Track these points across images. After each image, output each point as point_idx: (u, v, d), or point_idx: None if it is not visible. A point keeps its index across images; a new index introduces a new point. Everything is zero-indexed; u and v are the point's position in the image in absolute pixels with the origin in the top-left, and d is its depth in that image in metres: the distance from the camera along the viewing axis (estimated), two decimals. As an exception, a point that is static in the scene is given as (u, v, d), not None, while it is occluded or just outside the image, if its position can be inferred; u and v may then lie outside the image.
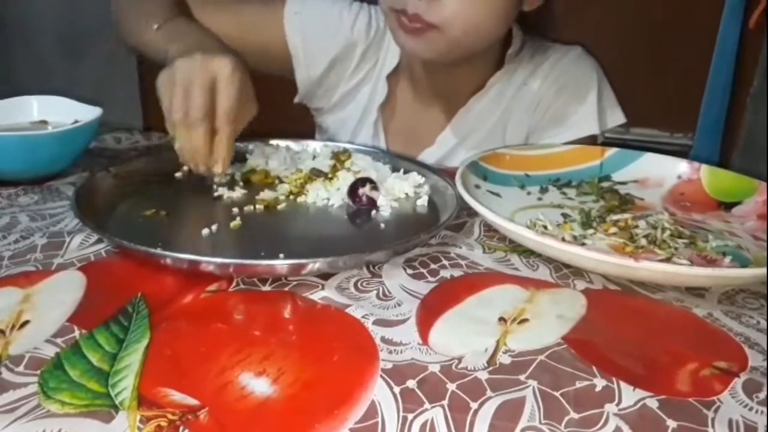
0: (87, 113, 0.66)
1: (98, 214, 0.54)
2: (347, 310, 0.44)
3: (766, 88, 1.45)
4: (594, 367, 0.38)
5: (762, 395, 0.37)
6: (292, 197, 0.61)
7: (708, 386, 0.38)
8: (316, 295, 0.45)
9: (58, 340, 0.39)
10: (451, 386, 0.36)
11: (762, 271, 0.44)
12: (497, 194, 0.63)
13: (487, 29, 0.70)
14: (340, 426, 0.33)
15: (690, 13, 1.57)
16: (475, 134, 0.82)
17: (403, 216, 0.59)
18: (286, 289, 0.46)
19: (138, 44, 0.78)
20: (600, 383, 0.37)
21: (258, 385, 0.36)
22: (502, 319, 0.43)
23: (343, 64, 0.84)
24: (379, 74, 0.83)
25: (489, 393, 0.36)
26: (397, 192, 0.63)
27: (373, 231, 0.57)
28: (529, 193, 0.65)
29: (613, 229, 0.56)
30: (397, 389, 0.36)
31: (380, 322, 0.42)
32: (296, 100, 0.89)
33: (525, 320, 0.43)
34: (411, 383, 0.36)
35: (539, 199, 0.64)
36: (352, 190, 0.60)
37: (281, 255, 0.47)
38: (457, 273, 0.49)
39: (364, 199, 0.60)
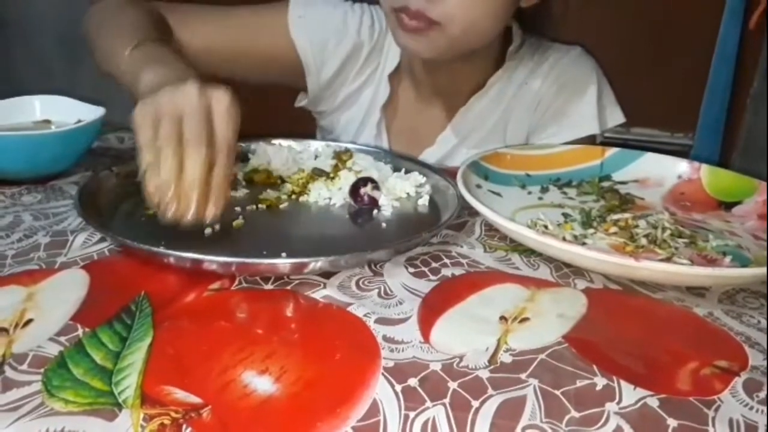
0: (90, 113, 0.66)
1: (101, 213, 0.54)
2: (349, 309, 0.44)
3: (766, 89, 1.45)
4: (595, 366, 0.39)
5: (762, 394, 0.37)
6: (294, 197, 0.61)
7: (708, 385, 0.38)
8: (318, 294, 0.45)
9: (62, 339, 0.39)
10: (453, 385, 0.37)
11: (762, 270, 0.45)
12: (498, 194, 0.63)
13: (486, 25, 0.70)
14: (342, 424, 0.33)
15: (690, 13, 1.58)
16: (476, 134, 0.82)
17: (404, 215, 0.60)
18: (288, 287, 0.46)
19: (111, 72, 0.69)
20: (601, 382, 0.37)
21: (260, 384, 0.36)
22: (503, 318, 0.43)
23: (350, 66, 0.84)
24: (381, 75, 0.84)
25: (490, 391, 0.36)
26: (399, 192, 0.63)
27: (374, 230, 0.57)
28: (529, 193, 0.65)
29: (613, 229, 0.56)
30: (398, 387, 0.36)
31: (382, 321, 0.42)
32: (300, 104, 0.89)
33: (526, 319, 0.44)
34: (412, 381, 0.37)
35: (540, 198, 0.64)
36: (354, 190, 0.60)
37: (283, 254, 0.47)
38: (458, 272, 0.50)
39: (365, 198, 0.60)
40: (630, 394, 0.36)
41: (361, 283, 0.47)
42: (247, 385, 0.36)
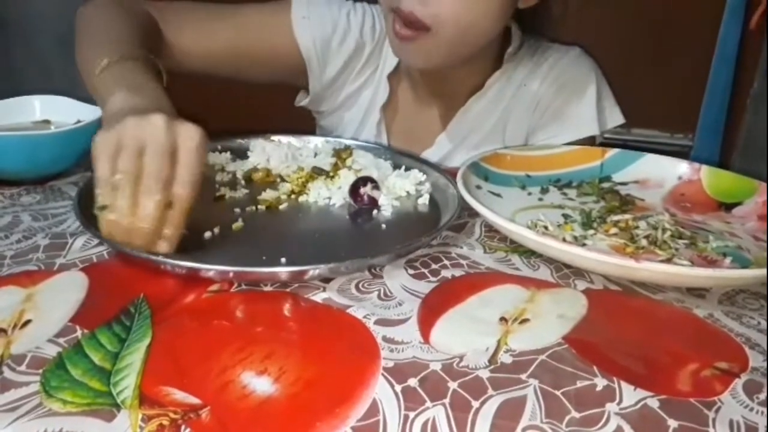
0: (89, 113, 0.66)
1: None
2: (348, 310, 0.44)
3: (766, 89, 1.45)
4: (595, 367, 0.39)
5: (762, 396, 0.37)
6: (293, 196, 0.61)
7: (709, 387, 0.38)
8: (318, 297, 0.45)
9: (60, 340, 0.39)
10: (453, 385, 0.36)
11: (762, 271, 0.45)
12: (498, 195, 0.63)
13: (482, 28, 0.69)
14: (341, 424, 0.33)
15: (690, 13, 1.58)
16: (475, 134, 0.82)
17: (404, 215, 0.60)
18: (288, 290, 0.46)
19: (86, 85, 0.64)
20: (601, 383, 0.37)
21: (259, 384, 0.36)
22: (503, 319, 0.43)
23: (352, 66, 0.84)
24: (381, 75, 0.84)
25: (490, 392, 0.36)
26: (399, 190, 0.63)
27: (374, 232, 0.57)
28: (529, 194, 0.65)
29: (613, 230, 0.56)
30: (398, 388, 0.36)
31: (381, 322, 0.42)
32: (301, 103, 0.89)
33: (526, 320, 0.43)
34: (412, 382, 0.37)
35: (540, 199, 0.64)
36: (354, 190, 0.60)
37: (283, 259, 0.47)
38: (458, 273, 0.50)
39: (365, 198, 0.60)
40: (630, 395, 0.36)
41: (360, 285, 0.47)
42: (246, 386, 0.36)
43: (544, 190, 0.66)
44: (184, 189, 0.47)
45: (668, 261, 0.51)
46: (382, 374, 0.37)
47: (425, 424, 0.34)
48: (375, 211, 0.59)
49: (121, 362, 0.37)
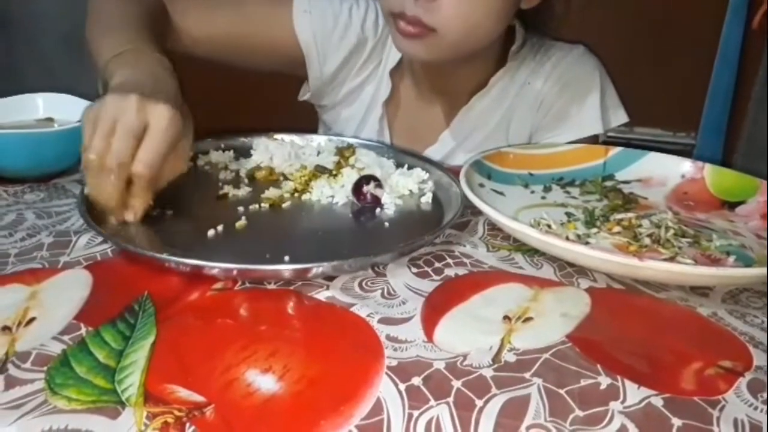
0: (92, 111, 0.66)
1: (104, 214, 0.54)
2: (352, 309, 0.44)
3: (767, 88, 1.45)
4: (599, 366, 0.39)
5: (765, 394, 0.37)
6: (296, 195, 0.61)
7: (713, 385, 0.38)
8: (321, 295, 0.45)
9: (65, 338, 0.39)
10: (457, 383, 0.36)
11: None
12: (501, 193, 0.63)
13: (486, 29, 0.70)
14: (345, 423, 0.33)
15: (693, 13, 1.57)
16: (478, 133, 0.82)
17: (407, 214, 0.60)
18: (292, 288, 0.46)
19: (98, 71, 0.65)
20: (605, 381, 0.37)
21: (264, 382, 0.36)
22: (506, 318, 0.43)
23: (354, 61, 0.84)
24: (384, 71, 0.84)
25: (494, 390, 0.36)
26: (402, 188, 0.63)
27: (377, 230, 0.57)
28: (532, 192, 0.65)
29: (616, 228, 0.56)
30: (402, 386, 0.36)
31: (385, 320, 0.42)
32: (303, 97, 0.89)
33: (529, 318, 0.43)
34: (416, 380, 0.37)
35: (543, 198, 0.64)
36: (357, 188, 0.60)
37: (286, 257, 0.47)
38: (461, 271, 0.50)
39: (368, 197, 0.60)
40: (634, 394, 0.36)
41: (364, 284, 0.47)
42: (251, 384, 0.36)
43: (547, 189, 0.66)
44: (142, 168, 0.50)
45: (671, 259, 0.51)
46: (386, 373, 0.37)
47: (429, 422, 0.34)
48: (378, 210, 0.59)
49: (126, 360, 0.37)
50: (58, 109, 0.70)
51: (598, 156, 0.71)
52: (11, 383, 0.35)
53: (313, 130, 0.95)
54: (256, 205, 0.58)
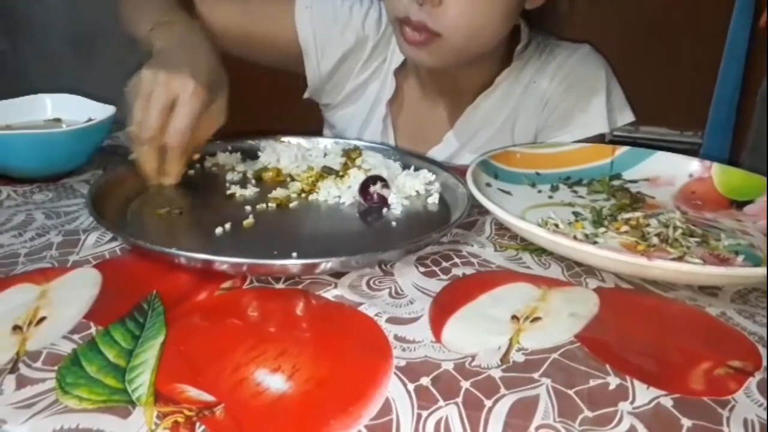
0: (100, 111, 0.67)
1: (112, 212, 0.54)
2: (360, 308, 0.44)
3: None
4: (607, 366, 0.39)
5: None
6: (303, 195, 0.61)
7: (722, 385, 0.38)
8: (329, 294, 0.46)
9: (75, 337, 0.39)
10: (465, 384, 0.37)
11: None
12: (508, 192, 0.63)
13: (490, 32, 0.70)
14: (354, 423, 0.33)
15: (699, 10, 1.57)
16: (483, 132, 0.82)
17: (414, 214, 0.60)
18: (300, 287, 0.46)
19: (135, 37, 0.76)
20: (614, 381, 0.37)
21: (273, 382, 0.36)
22: (514, 317, 0.43)
23: (353, 60, 0.84)
24: (388, 70, 0.84)
25: (503, 391, 0.36)
26: (408, 189, 0.63)
27: (384, 229, 0.57)
28: (540, 192, 0.65)
29: (624, 228, 0.56)
30: (411, 387, 0.36)
31: (393, 320, 0.42)
32: (305, 95, 0.90)
33: (538, 318, 0.43)
34: (425, 381, 0.37)
35: (550, 197, 0.64)
36: (363, 188, 0.60)
37: (294, 254, 0.47)
38: (469, 271, 0.50)
39: (375, 197, 0.60)
40: (643, 394, 0.36)
41: (371, 282, 0.47)
42: (260, 384, 0.36)
43: (555, 188, 0.66)
44: (171, 139, 0.58)
45: (680, 259, 0.51)
46: (395, 373, 0.37)
47: (438, 423, 0.34)
48: (385, 210, 0.60)
49: (136, 359, 0.37)
50: (66, 109, 0.70)
51: (605, 155, 0.71)
52: (22, 383, 0.35)
53: (319, 132, 0.95)
54: (264, 205, 0.58)
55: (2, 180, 0.63)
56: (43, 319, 0.41)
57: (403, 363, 0.38)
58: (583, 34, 0.84)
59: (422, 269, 0.50)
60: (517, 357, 0.39)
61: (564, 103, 0.79)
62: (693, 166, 0.69)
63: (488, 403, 0.35)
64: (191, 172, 0.65)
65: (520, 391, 0.36)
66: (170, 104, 0.57)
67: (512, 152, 0.69)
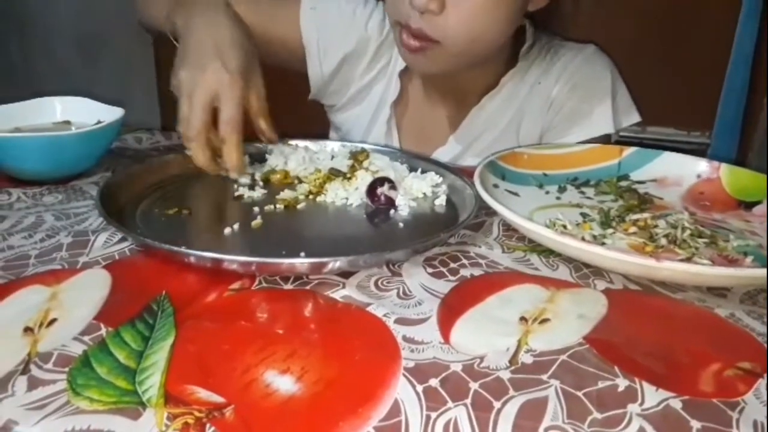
0: (109, 114, 0.67)
1: (122, 213, 0.55)
2: (368, 309, 0.44)
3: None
4: (616, 367, 0.38)
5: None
6: (311, 197, 0.62)
7: (732, 387, 0.38)
8: (338, 294, 0.46)
9: (86, 338, 0.39)
10: (474, 385, 0.37)
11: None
12: (516, 193, 0.63)
13: (491, 37, 0.69)
14: (363, 424, 0.34)
15: (707, 10, 1.56)
16: (488, 133, 0.82)
17: (421, 215, 0.60)
18: (308, 287, 0.47)
19: (151, 21, 0.80)
20: (622, 383, 0.37)
21: (282, 383, 0.36)
22: (523, 319, 0.43)
23: (356, 61, 0.84)
24: (392, 71, 0.84)
25: (512, 392, 0.36)
26: (415, 191, 0.63)
27: (392, 230, 0.57)
28: (547, 193, 0.65)
29: (632, 229, 0.55)
30: (420, 388, 0.36)
31: (401, 321, 0.42)
32: (310, 97, 0.90)
33: (546, 320, 0.43)
34: (434, 382, 0.37)
35: (558, 198, 0.64)
36: (371, 190, 0.60)
37: (302, 254, 0.47)
38: (477, 272, 0.50)
39: (382, 198, 0.60)
40: (652, 396, 0.36)
41: (379, 283, 0.48)
42: (269, 385, 0.36)
43: (562, 189, 0.66)
44: (224, 130, 0.60)
45: (688, 260, 0.51)
46: (403, 374, 0.37)
47: (447, 424, 0.34)
48: (392, 211, 0.60)
49: (146, 361, 0.38)
50: (75, 112, 0.71)
51: (612, 156, 0.71)
52: (34, 384, 0.35)
53: (325, 134, 0.95)
54: (272, 206, 0.59)
55: (12, 182, 0.63)
56: (54, 320, 0.41)
57: (411, 364, 0.38)
58: (588, 34, 0.84)
59: (430, 270, 0.50)
60: (525, 358, 0.39)
61: (569, 103, 0.79)
62: (701, 166, 0.68)
63: (497, 404, 0.35)
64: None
65: (529, 392, 0.36)
66: (211, 99, 0.60)
67: (519, 153, 0.69)
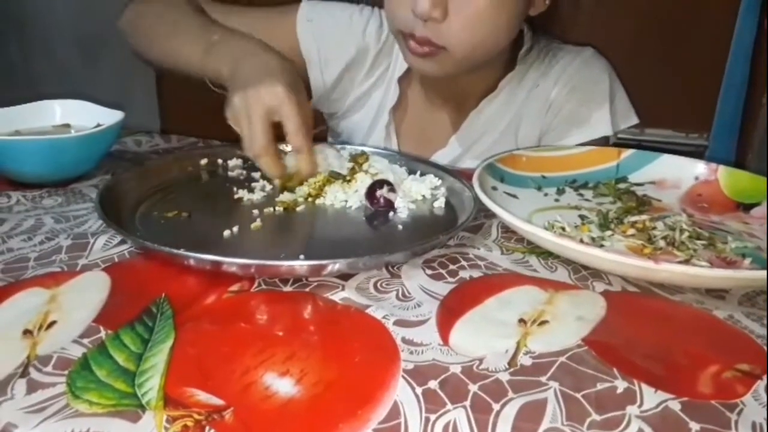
0: (108, 117, 0.67)
1: (121, 216, 0.55)
2: (367, 311, 0.44)
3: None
4: (615, 369, 0.39)
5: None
6: (310, 199, 0.62)
7: (730, 388, 0.38)
8: (337, 296, 0.46)
9: (85, 341, 0.40)
10: (473, 387, 0.37)
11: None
12: (514, 196, 0.63)
13: (495, 41, 0.70)
14: (363, 426, 0.34)
15: (705, 11, 1.57)
16: (487, 136, 0.82)
17: (420, 217, 0.60)
18: (307, 289, 0.47)
19: (165, 57, 0.79)
20: (621, 385, 0.37)
21: (282, 386, 0.36)
22: (521, 321, 0.43)
23: (356, 69, 0.84)
24: (391, 77, 0.84)
25: (511, 394, 0.36)
26: (414, 194, 0.63)
27: (391, 232, 0.57)
28: (546, 195, 0.65)
29: (631, 231, 0.56)
30: (419, 390, 0.36)
31: (400, 323, 0.43)
32: (311, 106, 0.90)
33: (545, 322, 0.43)
34: (433, 384, 0.37)
35: (556, 200, 0.64)
36: (370, 192, 0.60)
37: (301, 256, 0.47)
38: (475, 274, 0.50)
39: (381, 200, 0.60)
40: (651, 398, 0.36)
41: (379, 285, 0.48)
42: (269, 387, 0.36)
43: (560, 191, 0.66)
44: (293, 141, 0.61)
45: (687, 262, 0.51)
46: (403, 376, 0.37)
47: (446, 426, 0.34)
48: (391, 214, 0.60)
49: (145, 363, 0.38)
50: (75, 115, 0.71)
51: (611, 158, 0.71)
52: (33, 387, 0.35)
53: (322, 139, 0.95)
54: (271, 209, 0.59)
55: (12, 185, 0.63)
56: (53, 323, 0.41)
57: (410, 366, 0.38)
58: (587, 36, 0.84)
59: (429, 272, 0.50)
60: (524, 360, 0.39)
61: (567, 106, 0.79)
62: (699, 168, 0.68)
63: (496, 406, 0.35)
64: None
65: (528, 394, 0.36)
66: (269, 113, 0.60)
67: (518, 155, 0.69)
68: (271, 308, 0.45)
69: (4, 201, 0.60)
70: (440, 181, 0.65)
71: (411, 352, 0.40)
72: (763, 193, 0.63)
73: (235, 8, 0.83)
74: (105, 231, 0.53)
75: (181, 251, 0.46)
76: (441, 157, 0.83)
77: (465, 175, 0.63)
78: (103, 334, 0.40)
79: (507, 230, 0.58)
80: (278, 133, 0.63)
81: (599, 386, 0.37)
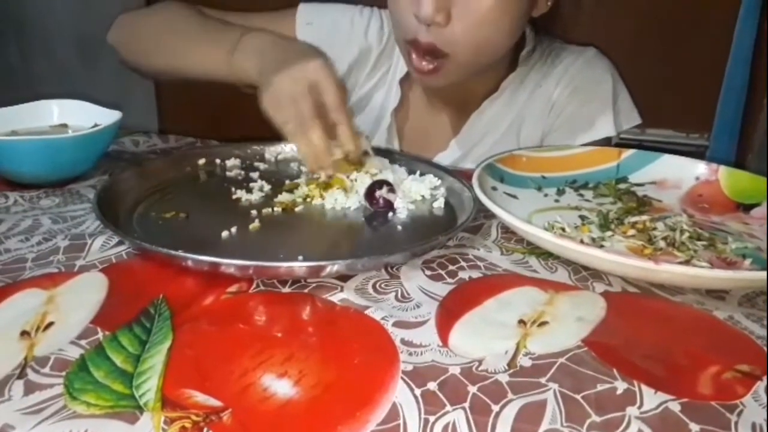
0: (106, 117, 0.67)
1: (119, 217, 0.55)
2: (366, 312, 0.44)
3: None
4: (615, 370, 0.38)
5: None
6: (309, 200, 0.61)
7: (730, 389, 0.37)
8: (336, 297, 0.46)
9: (83, 342, 0.39)
10: (472, 389, 0.36)
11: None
12: (514, 196, 0.63)
13: (498, 45, 0.70)
14: (362, 428, 0.33)
15: (706, 12, 1.56)
16: (489, 137, 0.82)
17: (419, 218, 0.60)
18: (306, 290, 0.46)
19: (177, 66, 0.78)
20: (621, 386, 0.37)
21: (280, 387, 0.36)
22: (521, 322, 0.43)
23: (358, 70, 0.84)
24: (392, 79, 0.84)
25: (510, 395, 0.36)
26: (414, 194, 0.63)
27: (390, 233, 0.57)
28: (546, 195, 0.65)
29: (631, 231, 0.55)
30: (418, 391, 0.36)
31: (399, 324, 0.42)
32: None
33: (545, 323, 0.43)
34: (432, 385, 0.37)
35: (556, 200, 0.64)
36: (369, 193, 0.60)
37: (300, 257, 0.47)
38: (475, 275, 0.50)
39: (381, 201, 0.60)
40: (651, 399, 0.36)
41: (378, 286, 0.47)
42: (267, 389, 0.36)
43: (561, 192, 0.66)
44: (335, 109, 0.60)
45: (687, 263, 0.51)
46: (402, 378, 0.37)
47: (446, 427, 0.34)
48: (390, 214, 0.60)
49: (143, 365, 0.37)
50: (73, 115, 0.71)
51: (611, 158, 0.71)
52: (31, 388, 0.35)
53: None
54: (269, 209, 0.59)
55: (9, 185, 0.63)
56: (50, 324, 0.41)
57: (410, 367, 0.38)
58: (588, 36, 0.84)
59: (428, 273, 0.50)
60: (524, 361, 0.39)
61: (570, 106, 0.79)
62: (700, 168, 0.68)
63: (495, 408, 0.35)
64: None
65: (528, 395, 0.36)
66: (312, 88, 0.59)
67: (518, 156, 0.69)
68: (269, 309, 0.44)
69: (2, 201, 0.60)
70: (440, 182, 0.65)
71: (410, 354, 0.39)
72: (763, 194, 0.63)
73: (232, 14, 0.82)
74: (103, 232, 0.53)
75: (179, 252, 0.46)
76: (443, 158, 0.83)
77: (464, 176, 0.63)
78: (100, 335, 0.40)
79: (507, 231, 0.58)
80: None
81: (599, 387, 0.37)
